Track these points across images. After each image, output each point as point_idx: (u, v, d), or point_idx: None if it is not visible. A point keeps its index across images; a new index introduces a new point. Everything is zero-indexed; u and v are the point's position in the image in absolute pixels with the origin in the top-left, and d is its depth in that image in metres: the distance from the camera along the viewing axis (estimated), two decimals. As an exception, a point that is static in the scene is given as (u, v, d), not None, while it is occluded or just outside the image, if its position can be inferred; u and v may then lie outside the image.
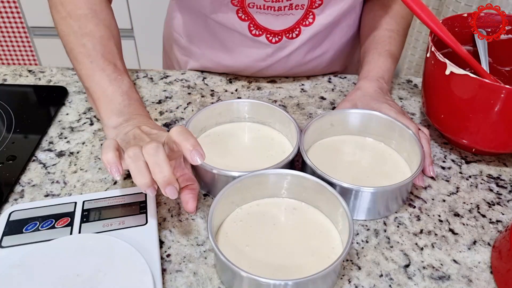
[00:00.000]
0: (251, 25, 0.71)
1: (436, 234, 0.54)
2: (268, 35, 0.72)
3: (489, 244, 0.53)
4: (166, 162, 0.46)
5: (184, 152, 0.46)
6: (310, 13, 0.70)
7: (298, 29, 0.72)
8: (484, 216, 0.56)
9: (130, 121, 0.57)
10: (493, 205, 0.58)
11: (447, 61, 0.56)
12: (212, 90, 0.76)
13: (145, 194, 0.54)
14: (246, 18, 0.70)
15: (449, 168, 0.63)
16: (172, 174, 0.46)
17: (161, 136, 0.52)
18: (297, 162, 0.61)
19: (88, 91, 0.61)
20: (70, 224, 0.50)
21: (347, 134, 0.64)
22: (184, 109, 0.71)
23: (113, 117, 0.58)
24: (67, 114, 0.70)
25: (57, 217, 0.51)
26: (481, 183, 0.61)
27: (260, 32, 0.72)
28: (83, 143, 0.65)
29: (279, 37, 0.72)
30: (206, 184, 0.57)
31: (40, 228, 0.50)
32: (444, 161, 0.64)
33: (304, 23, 0.71)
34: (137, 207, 0.52)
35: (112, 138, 0.53)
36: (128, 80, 0.62)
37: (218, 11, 0.70)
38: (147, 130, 0.54)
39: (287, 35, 0.72)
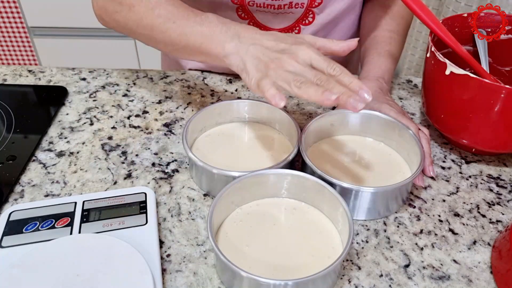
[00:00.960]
0: (251, 23, 0.71)
1: (436, 234, 0.54)
2: None
3: (489, 244, 0.53)
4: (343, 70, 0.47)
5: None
6: (310, 12, 0.70)
7: (297, 28, 0.72)
8: (484, 216, 0.56)
9: (242, 38, 0.54)
10: (493, 205, 0.58)
11: (447, 61, 0.56)
12: (212, 90, 0.76)
13: (145, 194, 0.54)
14: (246, 17, 0.70)
15: (449, 168, 0.63)
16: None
17: (296, 43, 0.51)
18: (297, 162, 0.61)
19: (192, 49, 0.59)
20: (70, 224, 0.50)
21: (347, 134, 0.64)
22: (184, 109, 0.71)
23: (225, 45, 0.55)
24: (67, 114, 0.70)
25: (57, 217, 0.51)
26: (481, 183, 0.61)
27: None
28: (83, 143, 0.65)
29: None
30: (206, 184, 0.57)
31: (40, 228, 0.50)
32: (444, 161, 0.64)
33: (303, 22, 0.71)
34: (137, 207, 0.52)
35: (243, 64, 0.52)
36: (211, 14, 0.59)
37: (218, 10, 0.70)
38: (271, 44, 0.52)
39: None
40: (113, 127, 0.68)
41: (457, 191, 0.59)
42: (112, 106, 0.72)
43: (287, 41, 0.51)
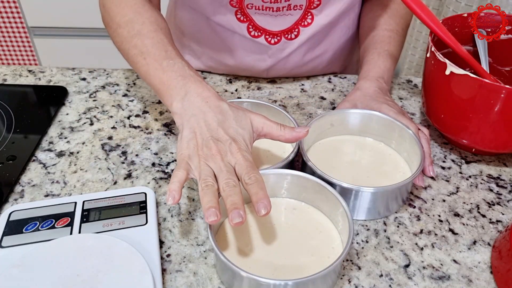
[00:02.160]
0: (250, 26, 0.71)
1: (436, 234, 0.54)
2: (267, 36, 0.72)
3: (489, 244, 0.53)
4: (241, 199, 0.46)
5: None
6: (309, 14, 0.70)
7: (296, 30, 0.72)
8: (484, 216, 0.56)
9: (189, 102, 0.54)
10: (493, 205, 0.58)
11: (447, 61, 0.56)
12: (212, 90, 0.76)
13: (145, 194, 0.54)
14: (244, 20, 0.70)
15: (449, 168, 0.63)
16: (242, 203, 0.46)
17: (233, 140, 0.51)
18: (297, 162, 0.61)
19: (153, 90, 0.60)
20: (70, 224, 0.50)
21: (347, 134, 0.64)
22: (184, 109, 0.71)
23: (173, 103, 0.55)
24: (67, 114, 0.70)
25: (57, 217, 0.51)
26: (481, 183, 0.61)
27: (259, 33, 0.72)
28: (83, 143, 0.65)
29: (278, 37, 0.72)
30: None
31: (40, 228, 0.50)
32: (444, 161, 0.64)
33: (302, 23, 0.71)
34: (137, 207, 0.52)
35: (181, 128, 0.52)
36: (179, 61, 0.59)
37: (217, 13, 0.70)
38: (212, 126, 0.51)
39: (286, 35, 0.72)
40: (113, 127, 0.68)
41: (457, 191, 0.59)
42: (112, 106, 0.72)
43: (228, 132, 0.51)
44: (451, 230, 0.54)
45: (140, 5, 0.63)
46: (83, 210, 0.52)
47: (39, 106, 0.72)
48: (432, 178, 0.61)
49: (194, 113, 0.52)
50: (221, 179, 0.47)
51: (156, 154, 0.63)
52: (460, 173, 0.62)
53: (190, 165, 0.49)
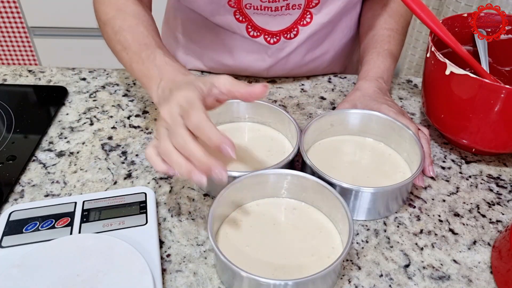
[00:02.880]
0: (249, 26, 0.71)
1: (436, 234, 0.54)
2: (266, 36, 0.72)
3: (489, 244, 0.53)
4: (198, 149, 0.44)
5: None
6: (308, 13, 0.70)
7: (295, 29, 0.72)
8: (484, 216, 0.56)
9: (163, 88, 0.53)
10: (493, 205, 0.58)
11: (447, 61, 0.56)
12: (212, 90, 0.76)
13: (145, 194, 0.54)
14: (243, 20, 0.70)
15: (449, 168, 0.63)
16: (208, 158, 0.44)
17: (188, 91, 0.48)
18: (297, 162, 0.61)
19: (140, 82, 0.60)
20: (70, 224, 0.50)
21: (347, 134, 0.64)
22: (184, 109, 0.71)
23: (153, 94, 0.56)
24: (67, 114, 0.70)
25: (57, 217, 0.51)
26: (481, 183, 0.61)
27: (258, 33, 0.72)
28: (83, 143, 0.65)
29: (277, 37, 0.72)
30: (206, 184, 0.57)
31: (40, 228, 0.50)
32: (444, 161, 0.64)
33: (301, 23, 0.71)
34: (137, 207, 0.52)
35: (160, 116, 0.50)
36: (159, 52, 0.58)
37: (216, 13, 0.70)
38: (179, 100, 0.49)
39: (285, 35, 0.72)
40: (113, 127, 0.68)
41: (457, 191, 0.59)
42: (112, 106, 0.72)
43: (180, 86, 0.49)
44: (451, 230, 0.54)
45: (122, 2, 0.65)
46: (83, 210, 0.52)
47: (39, 106, 0.72)
48: (432, 178, 0.61)
49: (166, 99, 0.51)
50: (172, 138, 0.46)
51: (156, 154, 0.63)
52: (460, 173, 0.62)
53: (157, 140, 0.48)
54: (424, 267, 0.50)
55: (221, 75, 0.50)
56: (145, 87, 0.58)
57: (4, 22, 1.77)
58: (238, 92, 0.49)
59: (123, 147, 0.64)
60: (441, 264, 0.51)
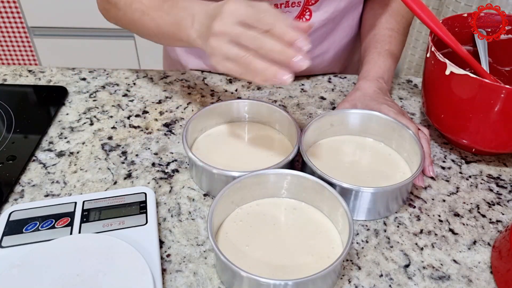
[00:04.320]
0: None
1: (436, 234, 0.54)
2: None
3: (489, 244, 0.53)
4: (276, 42, 0.45)
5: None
6: (307, 10, 0.70)
7: None
8: (484, 216, 0.56)
9: (200, 29, 0.53)
10: (493, 205, 0.58)
11: (447, 61, 0.56)
12: (212, 90, 0.76)
13: (145, 194, 0.54)
14: None
15: (449, 168, 0.63)
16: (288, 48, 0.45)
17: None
18: (297, 162, 0.61)
19: (171, 38, 0.59)
20: (70, 224, 0.50)
21: (347, 134, 0.64)
22: (184, 109, 0.71)
23: (189, 34, 0.54)
24: (67, 114, 0.70)
25: (57, 217, 0.51)
26: (481, 183, 0.61)
27: None
28: (83, 143, 0.65)
29: None
30: (206, 184, 0.57)
31: (40, 228, 0.50)
32: (444, 161, 0.64)
33: (301, 20, 0.71)
34: (137, 207, 0.52)
35: (218, 33, 0.49)
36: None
37: None
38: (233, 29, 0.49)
39: None
40: (113, 127, 0.68)
41: (457, 191, 0.59)
42: (112, 106, 0.72)
43: (221, 4, 0.49)
44: (451, 230, 0.54)
45: None
46: (83, 210, 0.52)
47: (39, 106, 0.72)
48: (432, 178, 0.61)
49: (207, 27, 0.51)
50: (246, 43, 0.46)
51: (156, 154, 0.63)
52: (460, 173, 0.62)
53: (220, 57, 0.48)
54: (424, 267, 0.50)
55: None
56: (179, 36, 0.56)
57: (4, 22, 1.77)
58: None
59: (123, 147, 0.64)
60: (441, 264, 0.51)
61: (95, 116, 0.70)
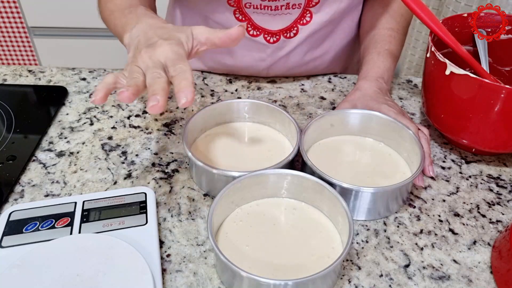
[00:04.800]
0: (249, 25, 0.71)
1: (436, 234, 0.54)
2: (266, 35, 0.72)
3: (489, 244, 0.53)
4: (163, 88, 0.45)
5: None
6: (307, 12, 0.70)
7: (295, 28, 0.72)
8: (484, 216, 0.56)
9: (135, 33, 0.54)
10: (493, 205, 0.58)
11: (447, 61, 0.56)
12: (212, 90, 0.76)
13: (145, 194, 0.54)
14: (243, 19, 0.70)
15: (449, 168, 0.63)
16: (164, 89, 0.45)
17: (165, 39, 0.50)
18: (297, 162, 0.61)
19: (119, 38, 0.61)
20: (70, 224, 0.50)
21: (347, 134, 0.64)
22: (184, 109, 0.71)
23: (124, 35, 0.56)
24: (67, 114, 0.70)
25: (57, 217, 0.51)
26: (481, 183, 0.61)
27: (258, 33, 0.72)
28: (83, 143, 0.65)
29: (277, 36, 0.72)
30: (206, 184, 0.57)
31: (40, 228, 0.50)
32: (444, 161, 0.64)
33: (301, 22, 0.71)
34: (137, 207, 0.52)
35: (128, 58, 0.51)
36: (142, 7, 0.60)
37: (215, 12, 0.70)
38: (150, 40, 0.51)
39: (285, 34, 0.72)
40: (113, 127, 0.68)
41: (457, 191, 0.59)
42: (112, 106, 0.72)
43: (162, 36, 0.50)
44: (451, 230, 0.54)
45: None
46: (83, 210, 0.52)
47: (39, 106, 0.72)
48: (432, 178, 0.61)
49: (138, 35, 0.53)
50: (147, 74, 0.47)
51: (156, 154, 0.63)
52: (460, 173, 0.62)
53: (124, 73, 0.49)
54: (424, 267, 0.50)
55: (196, 26, 0.52)
56: (121, 37, 0.58)
57: (4, 22, 1.77)
58: (217, 38, 0.51)
59: (123, 147, 0.64)
60: (441, 264, 0.51)
61: (95, 116, 0.70)
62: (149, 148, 0.64)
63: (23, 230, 0.49)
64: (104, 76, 0.48)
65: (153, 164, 0.62)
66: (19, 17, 1.75)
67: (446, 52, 0.62)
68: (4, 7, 1.72)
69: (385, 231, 0.54)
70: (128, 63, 0.50)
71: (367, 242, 0.53)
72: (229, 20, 0.71)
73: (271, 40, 0.72)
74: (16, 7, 1.72)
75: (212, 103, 0.69)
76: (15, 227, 0.50)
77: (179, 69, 0.46)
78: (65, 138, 0.66)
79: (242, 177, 0.51)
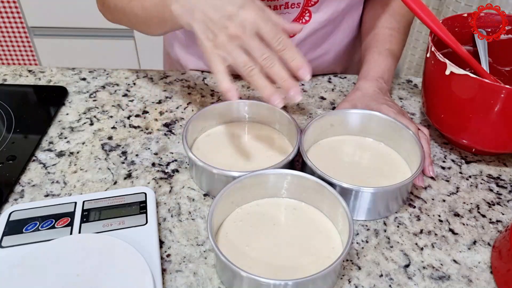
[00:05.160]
0: None
1: (436, 234, 0.54)
2: None
3: (489, 244, 0.53)
4: (283, 67, 0.47)
5: None
6: (306, 11, 0.70)
7: None
8: (484, 216, 0.56)
9: (185, 2, 0.52)
10: (493, 205, 0.58)
11: (447, 61, 0.56)
12: (212, 90, 0.76)
13: (145, 194, 0.54)
14: None
15: (449, 168, 0.63)
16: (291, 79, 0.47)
17: (242, 7, 0.49)
18: (297, 162, 0.61)
19: (155, 20, 0.58)
20: (70, 224, 0.50)
21: (347, 134, 0.64)
22: (184, 109, 0.71)
23: (171, 7, 0.53)
24: (67, 114, 0.70)
25: (57, 217, 0.51)
26: (481, 183, 0.61)
27: None
28: (83, 143, 0.65)
29: None
30: (206, 184, 0.57)
31: (40, 228, 0.50)
32: (444, 161, 0.64)
33: (300, 21, 0.71)
34: (137, 207, 0.52)
35: (191, 27, 0.50)
36: None
37: None
38: (218, 3, 0.49)
39: None
40: (113, 127, 0.68)
41: (457, 191, 0.59)
42: (112, 106, 0.72)
43: (235, 2, 0.49)
44: (451, 230, 0.54)
45: None
46: (83, 210, 0.52)
47: (39, 106, 0.72)
48: (432, 178, 0.61)
49: (194, 4, 0.51)
50: (257, 56, 0.47)
51: (156, 154, 0.63)
52: (460, 173, 0.62)
53: (221, 54, 0.49)
54: (424, 267, 0.50)
55: None
56: (161, 13, 0.56)
57: (4, 22, 1.77)
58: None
59: (123, 147, 0.64)
60: (441, 264, 0.51)
61: (95, 116, 0.70)
62: (149, 148, 0.64)
63: (23, 230, 0.49)
64: (215, 71, 0.49)
65: (153, 164, 0.62)
66: (19, 17, 1.75)
67: (446, 52, 0.62)
68: (4, 7, 1.72)
69: (385, 231, 0.54)
70: (214, 42, 0.49)
71: (367, 242, 0.53)
72: None
73: None
74: (16, 7, 1.72)
75: (212, 103, 0.69)
76: (15, 227, 0.50)
77: (283, 43, 0.46)
78: (65, 138, 0.66)
79: (242, 177, 0.51)
